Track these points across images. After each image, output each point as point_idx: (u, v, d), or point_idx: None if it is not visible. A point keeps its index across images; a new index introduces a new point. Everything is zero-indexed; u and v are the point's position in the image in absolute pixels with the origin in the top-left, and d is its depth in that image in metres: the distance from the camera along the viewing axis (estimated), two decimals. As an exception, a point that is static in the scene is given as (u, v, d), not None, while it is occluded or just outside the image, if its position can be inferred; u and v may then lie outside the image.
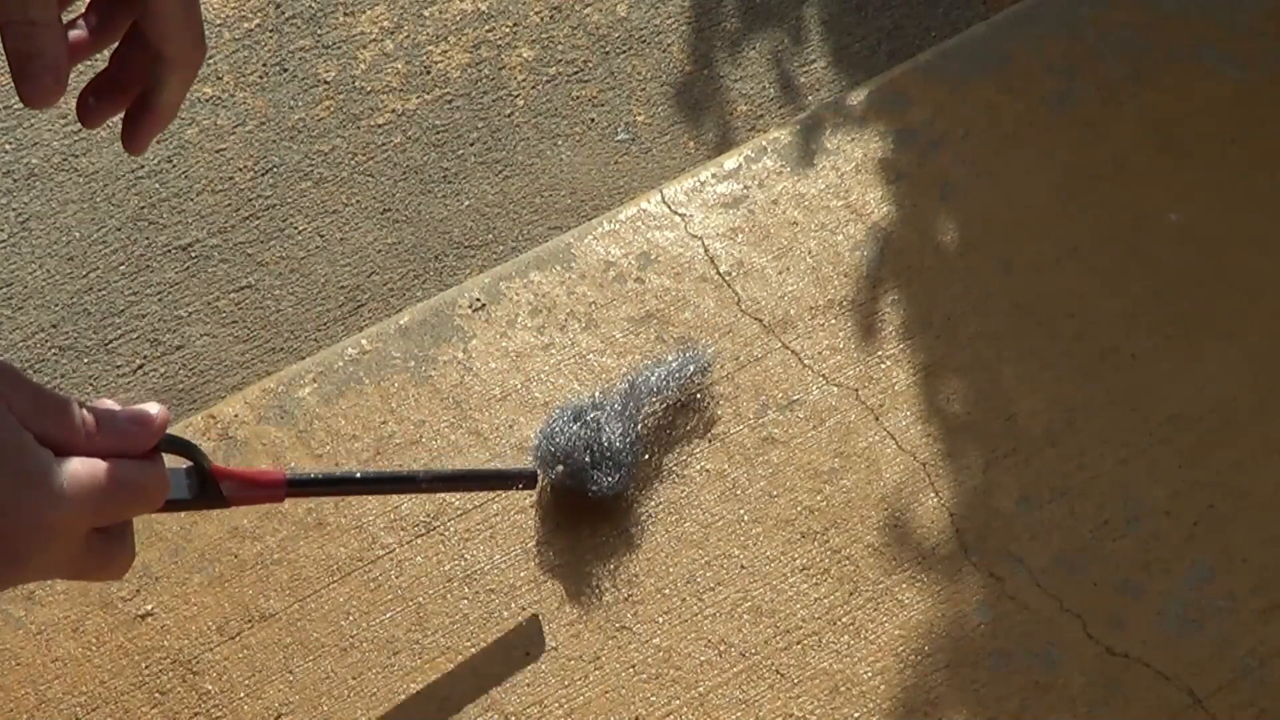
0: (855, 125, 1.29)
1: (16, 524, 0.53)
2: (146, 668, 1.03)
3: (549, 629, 1.04)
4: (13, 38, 0.57)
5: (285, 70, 1.66)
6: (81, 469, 0.56)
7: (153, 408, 0.61)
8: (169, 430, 0.63)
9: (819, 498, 1.09)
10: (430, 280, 1.51)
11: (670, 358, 1.13)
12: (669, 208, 1.24)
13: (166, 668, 1.03)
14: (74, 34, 0.64)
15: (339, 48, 1.67)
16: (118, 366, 1.47)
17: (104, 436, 0.58)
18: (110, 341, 1.49)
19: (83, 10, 0.65)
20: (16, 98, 1.64)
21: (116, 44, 0.66)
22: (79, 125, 1.62)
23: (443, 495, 1.09)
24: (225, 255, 1.53)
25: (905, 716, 1.00)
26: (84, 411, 0.58)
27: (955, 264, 1.20)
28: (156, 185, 1.58)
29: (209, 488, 0.71)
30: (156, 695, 1.02)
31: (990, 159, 1.26)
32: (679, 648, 1.03)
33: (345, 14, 1.69)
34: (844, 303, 1.18)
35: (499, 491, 1.08)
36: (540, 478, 1.06)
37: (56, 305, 1.51)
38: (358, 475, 0.89)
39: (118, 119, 0.67)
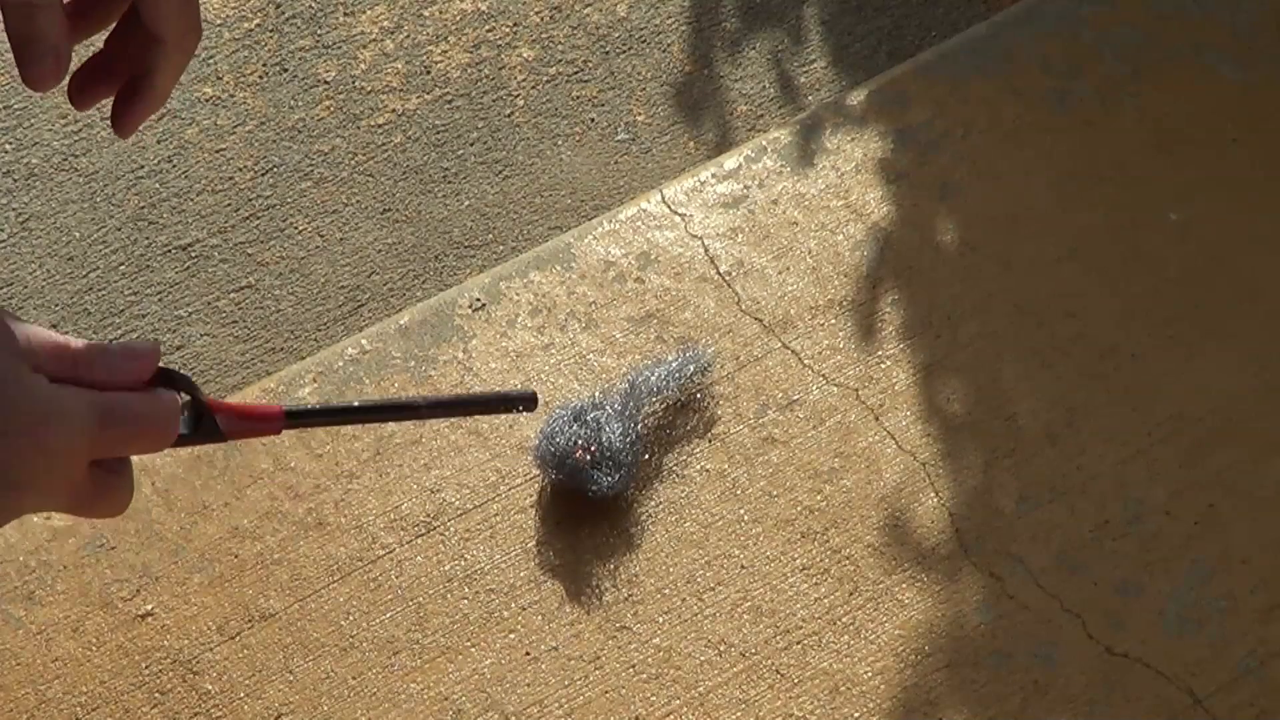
0: (855, 125, 1.29)
1: (18, 447, 0.53)
2: (146, 668, 1.03)
3: (549, 629, 1.04)
4: (13, 20, 0.57)
5: (285, 70, 1.66)
6: (82, 396, 0.55)
7: (145, 344, 0.61)
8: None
9: (819, 498, 1.09)
10: (430, 280, 1.51)
11: (670, 358, 1.13)
12: (669, 208, 1.24)
13: (166, 668, 1.03)
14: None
15: (339, 48, 1.67)
16: (118, 366, 1.47)
17: (98, 370, 0.58)
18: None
19: None
20: (16, 98, 1.64)
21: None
22: (79, 125, 1.62)
23: (443, 495, 1.09)
24: (225, 255, 1.53)
25: (905, 716, 1.00)
26: (78, 346, 0.58)
27: (955, 264, 1.20)
28: (156, 185, 1.58)
29: (206, 422, 0.70)
30: (156, 695, 1.02)
31: (990, 159, 1.26)
32: (679, 648, 1.03)
33: (345, 14, 1.69)
34: (844, 303, 1.18)
35: (500, 414, 1.01)
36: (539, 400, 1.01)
37: (56, 305, 1.51)
38: (356, 405, 0.86)
39: (107, 105, 0.67)
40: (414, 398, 0.91)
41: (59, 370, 0.57)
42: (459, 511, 1.08)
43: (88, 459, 0.57)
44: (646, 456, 1.10)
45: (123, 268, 1.53)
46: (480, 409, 1.00)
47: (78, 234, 1.56)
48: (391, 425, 1.12)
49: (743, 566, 1.06)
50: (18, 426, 0.53)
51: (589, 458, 1.05)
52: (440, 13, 1.69)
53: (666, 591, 1.05)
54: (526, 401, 0.94)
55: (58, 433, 0.54)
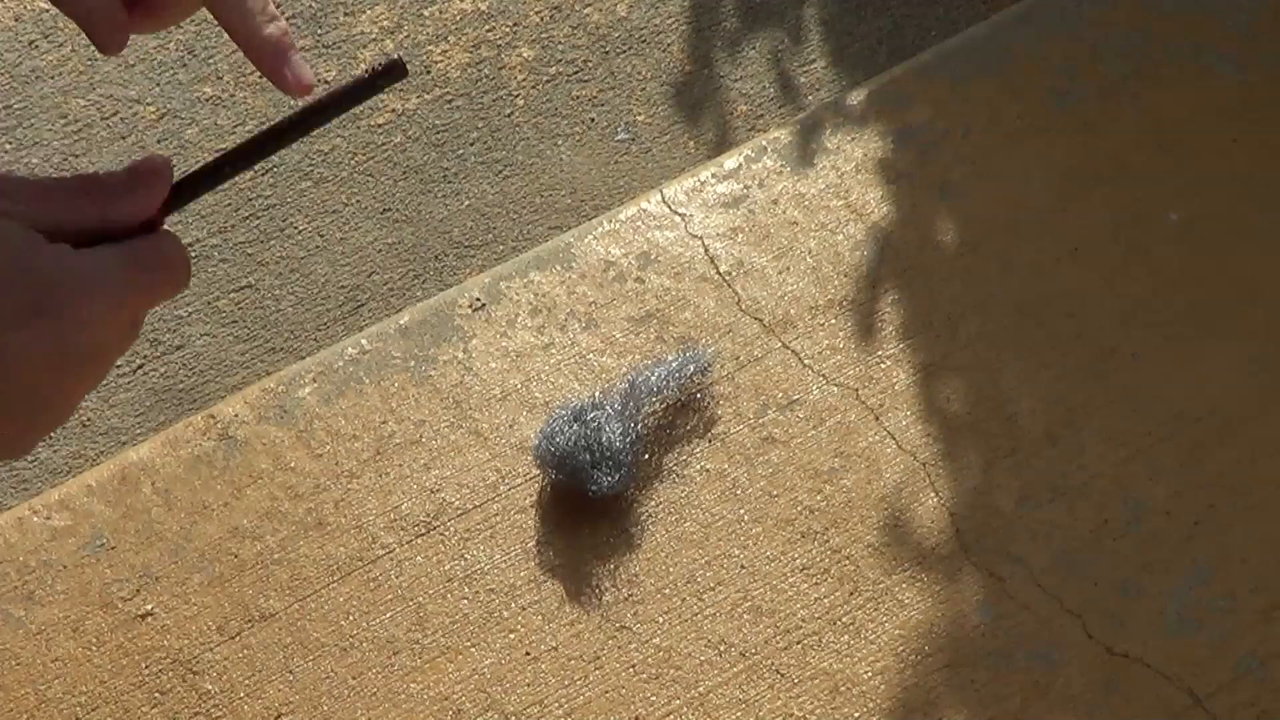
0: (855, 125, 1.29)
1: (60, 330, 0.51)
2: (146, 668, 1.03)
3: (549, 629, 1.04)
4: (65, 6, 0.58)
5: (285, 70, 1.66)
6: (106, 255, 0.54)
7: (150, 163, 0.59)
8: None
9: (819, 498, 1.09)
10: (430, 280, 1.51)
11: (670, 358, 1.13)
12: (669, 207, 1.24)
13: (166, 668, 1.03)
14: None
15: (339, 48, 1.67)
16: (118, 366, 1.47)
17: (109, 207, 0.56)
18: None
19: None
20: (16, 98, 1.64)
21: None
22: (79, 125, 1.61)
23: (443, 495, 1.09)
24: (225, 255, 1.53)
25: (905, 716, 1.00)
26: (71, 184, 0.56)
27: (955, 264, 1.20)
28: (156, 185, 1.58)
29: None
30: (156, 695, 1.02)
31: (990, 158, 1.26)
32: (679, 648, 1.03)
33: (345, 14, 1.69)
34: (844, 303, 1.18)
35: (373, 94, 0.89)
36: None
37: (56, 305, 1.50)
38: (226, 156, 0.77)
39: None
40: (281, 119, 0.79)
41: (75, 219, 0.55)
42: (459, 511, 1.08)
43: (131, 315, 0.56)
44: (646, 456, 1.10)
45: (123, 268, 1.53)
46: (352, 100, 0.87)
47: (78, 234, 1.56)
48: (391, 426, 1.12)
49: (743, 566, 1.06)
50: (56, 306, 0.52)
51: (589, 458, 1.05)
52: (440, 13, 1.69)
53: (666, 591, 1.05)
54: (394, 70, 0.83)
55: (94, 303, 0.53)
